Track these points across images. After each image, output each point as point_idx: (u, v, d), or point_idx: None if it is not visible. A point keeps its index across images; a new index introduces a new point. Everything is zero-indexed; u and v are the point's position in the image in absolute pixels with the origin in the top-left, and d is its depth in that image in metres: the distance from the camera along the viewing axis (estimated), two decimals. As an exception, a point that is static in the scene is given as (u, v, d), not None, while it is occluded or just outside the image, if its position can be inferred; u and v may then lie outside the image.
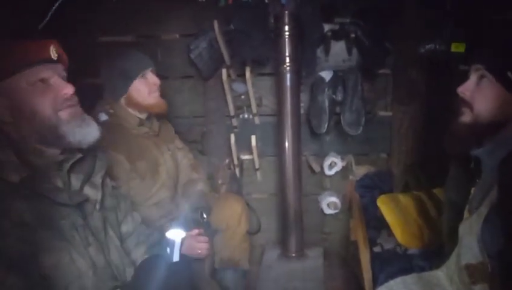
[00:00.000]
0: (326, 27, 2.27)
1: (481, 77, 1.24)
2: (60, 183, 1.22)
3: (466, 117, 1.28)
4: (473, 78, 1.28)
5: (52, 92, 1.19)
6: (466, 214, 1.32)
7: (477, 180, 1.29)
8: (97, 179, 1.34)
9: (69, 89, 1.21)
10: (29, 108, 1.16)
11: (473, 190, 1.31)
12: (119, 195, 1.53)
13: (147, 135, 1.99)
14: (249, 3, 2.20)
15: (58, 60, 1.24)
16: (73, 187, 1.25)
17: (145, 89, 1.92)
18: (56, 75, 1.21)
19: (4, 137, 1.17)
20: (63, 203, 1.18)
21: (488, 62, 1.24)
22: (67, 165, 1.24)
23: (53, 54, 1.21)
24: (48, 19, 1.33)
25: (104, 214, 1.35)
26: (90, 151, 1.33)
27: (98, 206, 1.31)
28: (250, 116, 2.61)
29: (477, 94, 1.25)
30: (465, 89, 1.27)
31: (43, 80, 1.19)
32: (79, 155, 1.27)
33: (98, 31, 2.51)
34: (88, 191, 1.30)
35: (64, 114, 1.21)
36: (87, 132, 1.25)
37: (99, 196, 1.32)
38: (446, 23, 1.98)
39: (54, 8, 1.30)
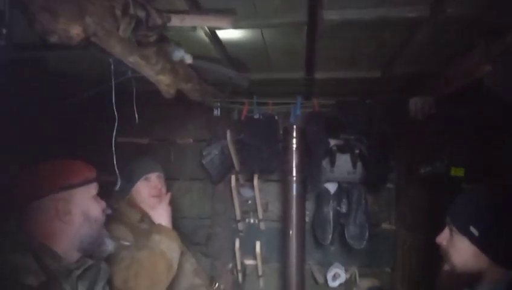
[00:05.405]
0: (332, 142, 2.40)
1: (451, 230, 1.28)
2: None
3: (447, 266, 1.31)
4: (447, 228, 1.31)
5: (100, 205, 1.42)
6: None
7: None
8: (99, 288, 1.39)
9: (104, 203, 1.44)
10: (94, 214, 1.39)
11: None
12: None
13: (146, 231, 2.02)
14: (260, 119, 2.37)
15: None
16: None
17: (145, 191, 2.01)
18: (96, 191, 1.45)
19: (27, 241, 1.26)
20: None
21: (452, 216, 1.28)
22: (77, 272, 1.30)
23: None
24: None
25: None
26: (96, 261, 1.40)
27: None
28: (256, 221, 2.65)
29: (450, 245, 1.27)
30: (442, 239, 1.31)
31: (95, 195, 1.42)
32: (89, 263, 1.35)
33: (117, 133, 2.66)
34: None
35: None
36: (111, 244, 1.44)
37: None
38: (445, 148, 2.07)
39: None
